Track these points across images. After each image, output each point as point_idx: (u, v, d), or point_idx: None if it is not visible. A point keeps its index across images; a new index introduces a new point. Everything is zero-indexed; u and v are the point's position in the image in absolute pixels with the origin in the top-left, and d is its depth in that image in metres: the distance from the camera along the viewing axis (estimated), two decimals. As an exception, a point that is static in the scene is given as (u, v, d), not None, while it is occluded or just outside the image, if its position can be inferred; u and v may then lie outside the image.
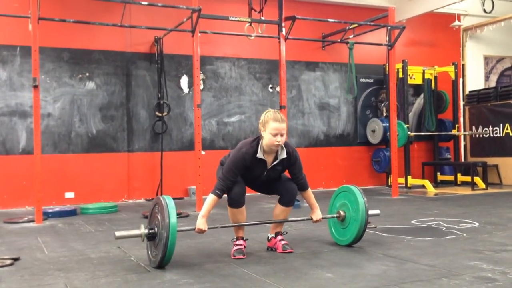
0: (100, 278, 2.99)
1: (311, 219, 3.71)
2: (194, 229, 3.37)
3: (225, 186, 3.40)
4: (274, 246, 3.68)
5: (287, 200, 3.63)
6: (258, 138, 3.49)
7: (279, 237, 3.68)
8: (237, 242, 3.55)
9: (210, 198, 3.40)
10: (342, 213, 3.78)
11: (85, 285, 2.84)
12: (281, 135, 3.36)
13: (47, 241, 4.31)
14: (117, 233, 3.23)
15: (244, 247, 3.55)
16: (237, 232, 3.59)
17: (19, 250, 3.92)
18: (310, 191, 3.70)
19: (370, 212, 3.71)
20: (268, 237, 3.76)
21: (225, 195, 3.47)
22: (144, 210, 6.21)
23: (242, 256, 3.44)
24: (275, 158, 3.49)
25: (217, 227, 3.57)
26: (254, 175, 3.55)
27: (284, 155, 3.48)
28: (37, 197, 5.43)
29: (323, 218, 3.73)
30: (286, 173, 3.69)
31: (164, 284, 2.82)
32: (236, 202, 3.48)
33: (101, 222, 5.42)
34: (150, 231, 3.24)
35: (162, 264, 3.15)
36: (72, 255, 3.69)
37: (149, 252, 3.33)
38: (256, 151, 3.43)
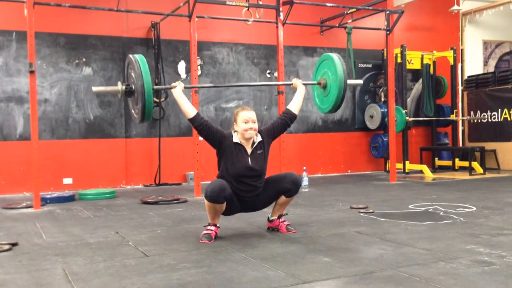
0: (98, 263, 2.99)
1: (291, 84, 3.98)
2: (170, 88, 3.56)
3: (204, 119, 3.53)
4: (277, 227, 3.75)
5: (293, 192, 3.66)
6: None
7: (282, 219, 3.76)
8: (208, 227, 3.55)
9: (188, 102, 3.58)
10: (322, 80, 4.10)
11: (83, 270, 2.84)
12: (253, 122, 3.55)
13: (45, 226, 4.32)
14: (94, 89, 3.38)
15: (216, 233, 3.54)
16: (213, 219, 3.56)
17: (17, 235, 3.92)
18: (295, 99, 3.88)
19: (350, 81, 4.06)
20: (269, 217, 3.81)
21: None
22: (142, 195, 6.22)
23: (208, 241, 3.44)
24: (253, 143, 3.62)
25: (204, 87, 3.89)
26: (239, 167, 3.52)
27: (259, 138, 3.65)
28: (35, 183, 5.44)
29: (304, 84, 3.96)
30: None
31: (162, 268, 2.83)
32: (214, 198, 3.38)
33: (99, 207, 5.43)
34: (127, 86, 3.45)
35: (144, 116, 3.38)
36: (70, 240, 3.70)
37: (132, 111, 3.59)
38: (233, 137, 3.58)
